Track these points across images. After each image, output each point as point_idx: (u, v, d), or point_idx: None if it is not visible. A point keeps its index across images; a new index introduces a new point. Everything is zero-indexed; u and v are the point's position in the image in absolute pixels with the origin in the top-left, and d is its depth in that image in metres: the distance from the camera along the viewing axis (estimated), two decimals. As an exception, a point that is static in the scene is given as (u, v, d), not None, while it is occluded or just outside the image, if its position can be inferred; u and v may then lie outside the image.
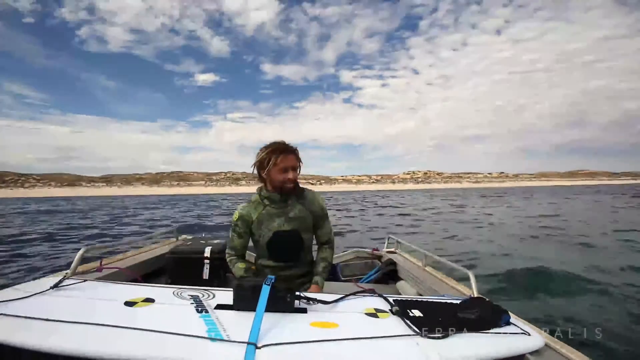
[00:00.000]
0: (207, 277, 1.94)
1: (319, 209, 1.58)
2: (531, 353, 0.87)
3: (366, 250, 2.72)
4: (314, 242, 1.66)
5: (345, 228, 11.21)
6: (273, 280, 0.97)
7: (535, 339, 0.91)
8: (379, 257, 2.53)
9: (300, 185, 1.56)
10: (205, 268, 1.95)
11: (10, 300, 0.94)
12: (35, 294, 1.01)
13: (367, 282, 2.24)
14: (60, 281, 1.14)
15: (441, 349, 0.78)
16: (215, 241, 2.15)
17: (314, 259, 1.66)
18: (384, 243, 2.76)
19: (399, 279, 2.17)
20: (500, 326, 0.95)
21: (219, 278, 1.98)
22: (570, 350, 0.94)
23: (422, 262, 2.07)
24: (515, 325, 0.97)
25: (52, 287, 1.09)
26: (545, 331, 1.02)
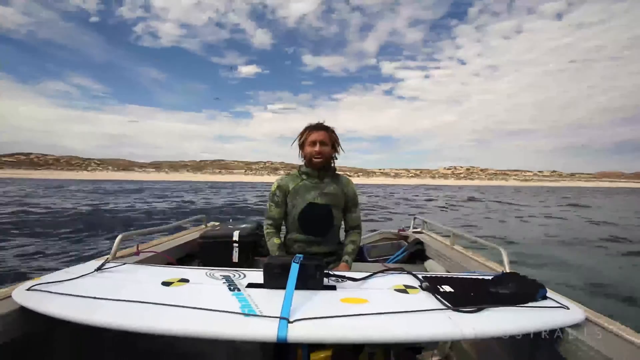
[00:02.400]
0: (236, 260, 2.00)
1: (352, 193, 1.67)
2: (571, 327, 0.85)
3: (392, 231, 2.68)
4: (342, 225, 1.72)
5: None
6: (301, 259, 0.99)
7: (574, 312, 0.89)
8: (406, 238, 2.52)
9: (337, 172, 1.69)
10: (234, 251, 2.00)
11: (61, 281, 1.04)
12: (82, 276, 1.10)
13: (395, 263, 2.22)
14: (103, 264, 1.24)
15: (475, 323, 0.78)
16: (243, 225, 2.20)
17: (342, 241, 1.72)
18: (410, 224, 2.74)
19: (427, 258, 2.15)
20: (536, 300, 0.93)
21: (248, 260, 2.02)
22: (612, 322, 0.90)
23: (450, 240, 2.05)
24: (553, 299, 0.95)
25: (96, 270, 1.18)
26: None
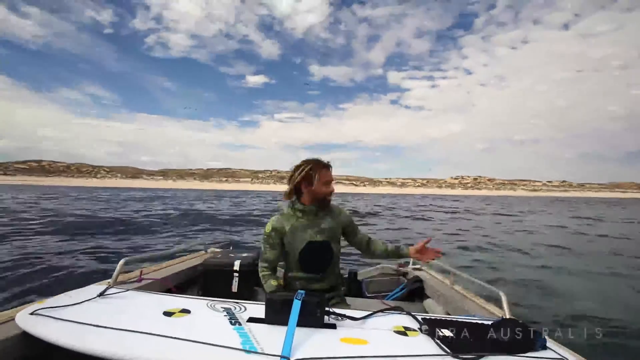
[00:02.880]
0: (236, 290, 1.99)
1: (347, 220, 1.65)
2: None
3: (391, 266, 2.67)
4: (345, 250, 1.71)
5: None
6: (303, 295, 0.99)
7: None
8: (405, 274, 2.52)
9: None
10: (234, 280, 2.00)
11: (62, 306, 1.04)
12: (84, 301, 1.10)
13: (393, 299, 2.21)
14: (105, 290, 1.24)
15: None
16: (244, 254, 2.20)
17: (341, 273, 1.72)
18: (409, 259, 2.67)
19: (426, 296, 2.14)
20: (536, 350, 0.91)
21: (248, 290, 2.02)
22: None
23: (449, 280, 2.03)
24: (552, 349, 0.93)
25: (98, 295, 1.18)
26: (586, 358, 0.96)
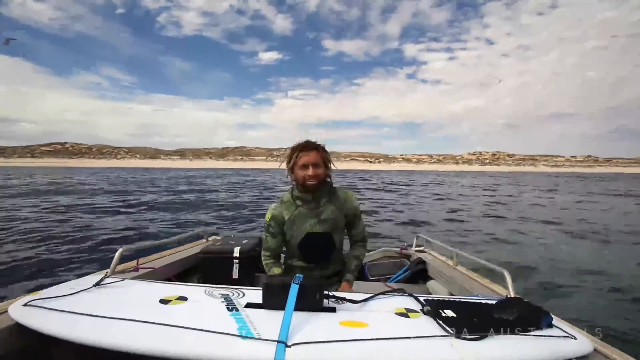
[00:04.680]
0: (236, 277, 1.99)
1: (352, 209, 1.56)
2: (578, 358, 0.81)
3: (394, 249, 2.68)
4: (346, 238, 1.65)
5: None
6: (301, 279, 0.97)
7: (582, 342, 0.84)
8: (408, 257, 2.52)
9: (334, 185, 1.57)
10: (234, 267, 2.00)
11: (59, 296, 1.02)
12: (80, 291, 1.09)
13: (396, 282, 2.20)
14: (102, 279, 1.22)
15: (478, 351, 0.75)
16: (244, 241, 2.19)
17: (344, 258, 1.66)
18: (412, 242, 2.72)
19: (429, 278, 2.12)
20: (541, 328, 0.89)
21: (248, 277, 2.02)
22: (622, 355, 0.86)
23: (452, 261, 2.02)
24: (559, 327, 0.91)
25: (94, 285, 1.17)
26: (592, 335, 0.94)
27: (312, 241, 1.49)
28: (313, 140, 1.49)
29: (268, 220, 1.54)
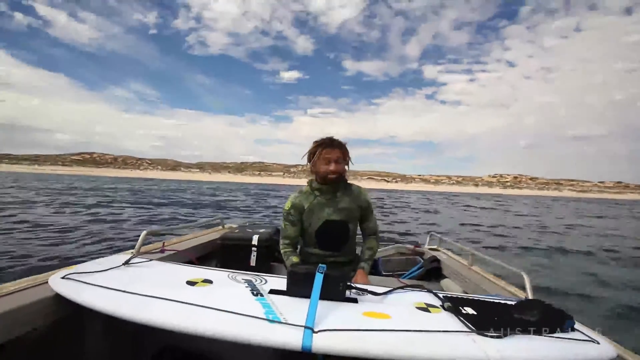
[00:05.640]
0: (254, 264, 2.02)
1: (365, 202, 1.64)
2: None
3: (407, 246, 2.67)
4: (359, 232, 1.71)
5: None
6: (325, 269, 0.98)
7: (605, 348, 0.83)
8: (421, 254, 2.50)
9: (349, 182, 1.67)
10: (252, 255, 2.04)
11: (90, 272, 1.08)
12: (110, 268, 1.15)
13: (410, 279, 2.19)
14: (130, 259, 1.29)
15: (501, 348, 0.75)
16: (261, 230, 2.22)
17: (357, 250, 1.72)
18: (426, 240, 2.73)
19: (443, 277, 2.11)
20: (564, 331, 0.87)
21: (265, 265, 2.05)
22: None
23: (467, 260, 2.01)
24: (581, 332, 0.89)
25: (124, 264, 1.23)
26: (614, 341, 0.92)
27: (330, 228, 1.57)
28: (338, 139, 1.57)
29: (288, 208, 1.60)
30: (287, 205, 1.61)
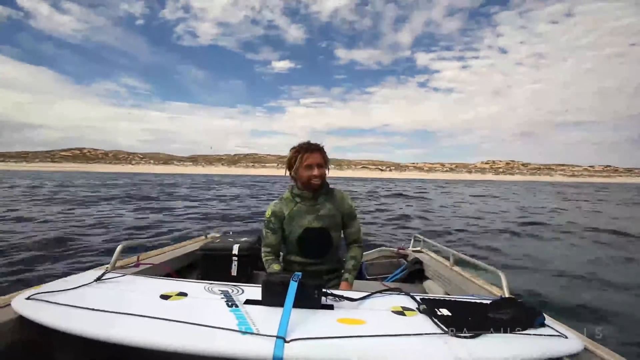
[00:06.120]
0: (235, 274, 2.01)
1: (348, 208, 1.61)
2: (569, 356, 0.84)
3: (391, 249, 2.69)
4: (343, 241, 1.68)
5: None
6: (300, 277, 0.98)
7: (572, 341, 0.87)
8: (405, 256, 2.52)
9: (331, 186, 1.64)
10: (233, 265, 2.02)
11: (60, 290, 1.04)
12: (81, 286, 1.10)
13: (393, 281, 2.22)
14: (103, 274, 1.24)
15: (471, 349, 0.77)
16: (243, 239, 2.21)
17: (341, 257, 1.69)
18: (410, 242, 2.75)
19: (426, 278, 2.14)
20: (534, 327, 0.91)
21: (247, 274, 2.03)
22: (611, 353, 0.89)
23: (449, 261, 2.04)
24: (551, 327, 0.94)
25: (95, 280, 1.18)
26: (583, 334, 0.98)
27: (311, 236, 1.53)
28: (324, 144, 1.54)
29: (268, 216, 1.57)
30: (268, 212, 1.58)
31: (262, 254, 1.60)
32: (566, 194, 28.07)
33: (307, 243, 1.55)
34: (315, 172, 1.48)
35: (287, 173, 1.58)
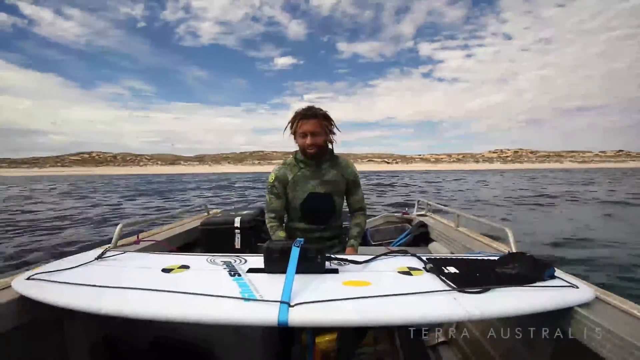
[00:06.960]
0: (239, 246, 2.00)
1: (352, 175, 1.60)
2: (580, 306, 0.83)
3: (396, 214, 2.66)
4: (345, 208, 1.68)
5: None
6: (302, 243, 0.98)
7: (584, 291, 0.87)
8: (409, 221, 2.50)
9: (336, 153, 1.60)
10: (236, 237, 2.01)
11: (61, 269, 1.05)
12: (82, 264, 1.12)
13: (399, 246, 2.20)
14: (103, 252, 1.25)
15: (481, 303, 0.77)
16: (244, 212, 2.18)
17: (343, 224, 1.69)
18: (414, 207, 2.74)
19: (431, 240, 2.12)
20: (544, 280, 0.91)
21: (251, 247, 2.01)
22: (623, 301, 0.88)
23: (454, 222, 2.01)
24: (561, 278, 0.93)
25: (96, 258, 1.19)
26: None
27: (314, 201, 1.52)
28: (315, 109, 1.49)
29: (271, 181, 1.55)
30: (271, 177, 1.57)
31: (267, 220, 1.59)
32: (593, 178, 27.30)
33: (311, 209, 1.54)
34: (308, 140, 1.42)
35: (288, 137, 1.54)
